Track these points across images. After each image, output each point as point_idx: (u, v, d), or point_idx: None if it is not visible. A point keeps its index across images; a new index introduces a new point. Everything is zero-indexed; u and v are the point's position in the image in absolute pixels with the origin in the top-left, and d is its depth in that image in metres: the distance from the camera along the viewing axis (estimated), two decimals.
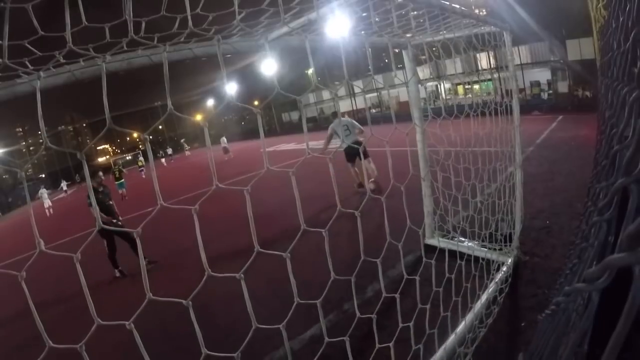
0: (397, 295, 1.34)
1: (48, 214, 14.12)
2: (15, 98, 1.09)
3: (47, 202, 14.51)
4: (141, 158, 22.23)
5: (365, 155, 5.83)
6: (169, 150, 32.45)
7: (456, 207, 2.52)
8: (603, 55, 1.42)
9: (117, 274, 4.73)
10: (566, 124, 10.14)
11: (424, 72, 15.28)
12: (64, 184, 23.15)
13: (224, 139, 19.17)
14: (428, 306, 1.61)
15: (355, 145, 5.69)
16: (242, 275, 0.88)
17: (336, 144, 6.37)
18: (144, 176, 19.00)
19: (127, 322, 0.76)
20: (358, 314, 1.25)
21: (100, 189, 4.75)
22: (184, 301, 0.81)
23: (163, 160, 28.56)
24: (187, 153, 33.32)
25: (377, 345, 1.28)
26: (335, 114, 6.68)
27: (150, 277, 0.75)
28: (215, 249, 4.69)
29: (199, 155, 29.22)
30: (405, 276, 1.48)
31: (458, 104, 2.32)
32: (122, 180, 13.24)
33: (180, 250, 5.20)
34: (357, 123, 6.01)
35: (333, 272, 1.06)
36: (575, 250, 1.10)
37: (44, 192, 15.30)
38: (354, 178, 6.21)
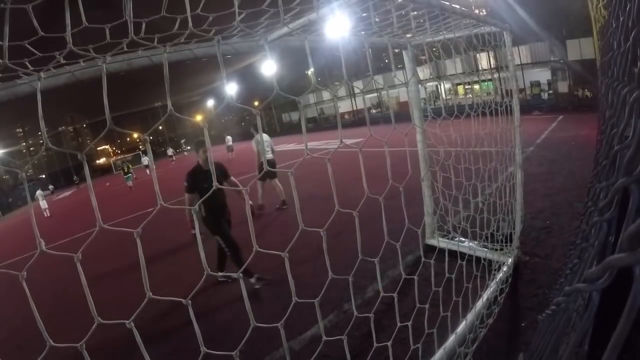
0: (395, 295, 1.34)
1: (46, 215, 14.16)
2: (15, 98, 1.09)
3: (44, 204, 14.53)
4: (145, 158, 21.79)
5: (275, 175, 6.08)
6: (169, 151, 31.25)
7: (456, 207, 2.53)
8: (603, 55, 1.42)
9: (256, 285, 3.38)
10: (566, 124, 10.14)
11: (424, 72, 15.28)
12: (40, 194, 15.47)
13: (228, 138, 19.15)
14: (427, 306, 1.61)
15: (272, 162, 5.93)
16: (240, 274, 0.88)
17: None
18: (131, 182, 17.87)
19: (127, 321, 0.76)
20: (356, 313, 1.24)
21: (206, 169, 3.29)
22: (183, 300, 0.81)
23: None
24: (186, 154, 33.33)
25: (375, 345, 1.28)
26: (256, 127, 6.04)
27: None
28: None
29: None
30: (404, 276, 1.48)
31: (458, 104, 2.32)
32: (130, 174, 16.29)
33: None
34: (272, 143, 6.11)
35: (331, 271, 1.06)
36: (575, 250, 1.10)
37: (40, 194, 15.32)
38: (260, 197, 6.11)
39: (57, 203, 20.13)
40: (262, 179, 5.92)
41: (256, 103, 31.80)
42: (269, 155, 5.95)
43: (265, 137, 5.96)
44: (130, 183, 16.02)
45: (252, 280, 3.43)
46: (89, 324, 0.72)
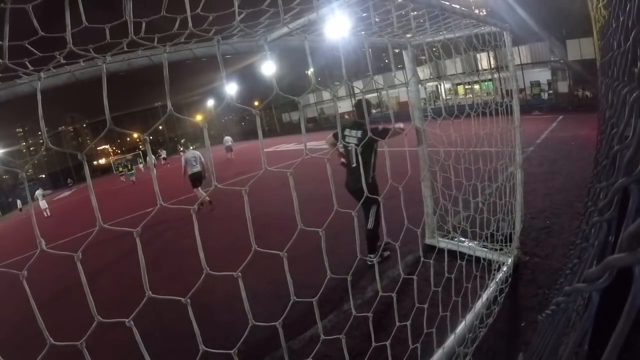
0: (394, 295, 1.34)
1: (45, 215, 14.17)
2: (15, 98, 1.09)
3: (44, 204, 14.52)
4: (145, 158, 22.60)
5: (200, 183, 7.83)
6: (163, 153, 28.01)
7: (456, 207, 2.53)
8: (603, 55, 1.42)
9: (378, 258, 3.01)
10: (566, 124, 10.13)
11: (424, 72, 15.27)
12: (39, 193, 15.09)
13: (227, 138, 19.18)
14: (426, 305, 1.61)
15: (198, 174, 7.63)
16: (239, 274, 0.88)
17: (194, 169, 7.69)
18: (123, 179, 20.97)
19: (126, 320, 0.76)
20: (354, 312, 1.25)
21: (356, 128, 3.22)
22: (182, 299, 0.81)
23: (141, 166, 25.39)
24: (181, 154, 33.15)
25: (374, 344, 1.28)
26: (187, 145, 8.32)
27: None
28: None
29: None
30: (403, 276, 1.48)
31: (458, 104, 2.32)
32: (133, 171, 19.81)
33: None
34: (202, 157, 7.81)
35: (329, 271, 1.06)
36: (575, 250, 1.10)
37: (39, 194, 15.31)
38: (199, 198, 7.82)
39: (54, 205, 20.14)
40: (195, 186, 7.77)
41: (256, 103, 31.78)
42: (197, 168, 7.63)
43: (195, 153, 7.78)
44: (133, 178, 18.93)
45: (373, 257, 3.24)
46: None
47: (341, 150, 3.36)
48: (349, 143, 3.21)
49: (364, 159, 2.96)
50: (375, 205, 3.16)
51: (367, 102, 3.34)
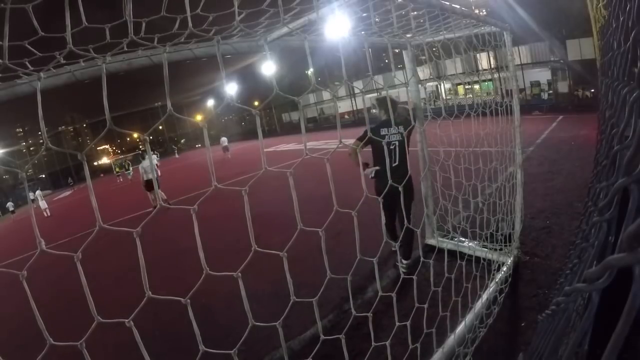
0: (393, 295, 1.34)
1: (45, 215, 14.16)
2: (15, 98, 1.09)
3: (44, 204, 14.50)
4: (143, 159, 22.57)
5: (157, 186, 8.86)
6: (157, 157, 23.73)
7: (456, 207, 2.53)
8: (603, 55, 1.42)
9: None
10: (566, 124, 10.13)
11: (424, 72, 15.27)
12: (39, 194, 15.59)
13: (223, 139, 19.46)
14: (426, 305, 1.61)
15: (150, 180, 8.48)
16: (239, 274, 0.88)
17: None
18: (120, 180, 22.11)
19: (126, 320, 0.76)
20: (354, 312, 1.25)
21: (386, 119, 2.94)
22: (182, 299, 0.81)
23: (132, 170, 20.89)
24: (177, 156, 33.48)
25: (373, 344, 1.28)
26: (143, 156, 9.25)
27: None
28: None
29: (199, 155, 29.16)
30: (403, 276, 1.47)
31: (458, 104, 2.32)
32: (130, 170, 20.66)
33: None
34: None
35: (329, 271, 1.06)
36: (575, 250, 1.10)
37: (39, 194, 15.30)
38: (152, 201, 9.04)
39: (54, 205, 20.10)
40: (148, 190, 8.87)
41: (256, 103, 31.79)
42: (151, 175, 8.71)
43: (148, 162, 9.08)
44: (130, 176, 20.18)
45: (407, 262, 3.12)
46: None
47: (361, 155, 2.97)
48: (390, 141, 2.90)
49: (404, 154, 2.84)
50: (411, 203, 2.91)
51: (392, 99, 3.00)
